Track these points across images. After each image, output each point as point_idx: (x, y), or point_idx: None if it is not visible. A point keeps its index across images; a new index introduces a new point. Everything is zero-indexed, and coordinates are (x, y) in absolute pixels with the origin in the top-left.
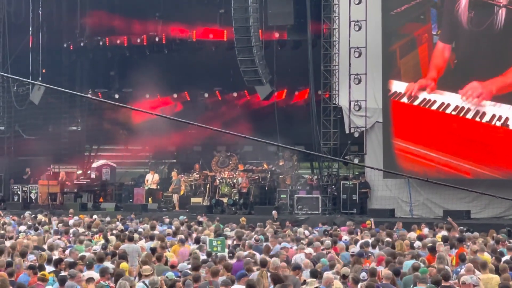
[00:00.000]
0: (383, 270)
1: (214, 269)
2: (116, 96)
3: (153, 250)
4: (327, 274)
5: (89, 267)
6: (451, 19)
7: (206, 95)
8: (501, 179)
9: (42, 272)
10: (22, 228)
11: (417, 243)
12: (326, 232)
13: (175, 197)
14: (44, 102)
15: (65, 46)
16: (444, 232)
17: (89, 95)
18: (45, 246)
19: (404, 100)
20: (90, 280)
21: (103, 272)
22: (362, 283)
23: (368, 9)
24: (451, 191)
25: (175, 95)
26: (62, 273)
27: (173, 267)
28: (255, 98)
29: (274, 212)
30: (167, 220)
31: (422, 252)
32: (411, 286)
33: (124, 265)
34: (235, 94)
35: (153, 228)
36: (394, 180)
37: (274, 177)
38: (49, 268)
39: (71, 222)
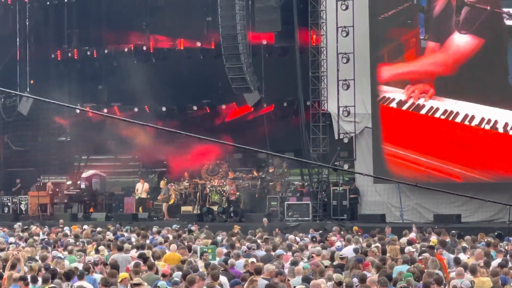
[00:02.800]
0: (374, 276)
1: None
2: (105, 110)
3: (144, 259)
4: (315, 281)
5: (80, 277)
6: (438, 22)
7: (195, 107)
8: (491, 182)
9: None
10: (12, 239)
11: (408, 248)
12: (314, 239)
13: (164, 206)
14: (33, 113)
15: (53, 56)
16: (434, 237)
17: (78, 107)
18: (37, 257)
19: (393, 105)
20: None
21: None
22: None
23: (355, 15)
24: (442, 196)
25: (163, 108)
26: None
27: (164, 276)
28: (244, 110)
29: (264, 219)
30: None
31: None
32: None
33: (124, 274)
34: (223, 106)
35: (145, 237)
36: (384, 185)
37: (264, 184)
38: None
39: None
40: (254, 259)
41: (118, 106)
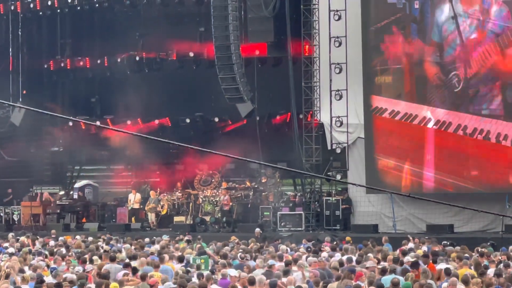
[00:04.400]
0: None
1: (202, 285)
2: (98, 123)
3: (134, 269)
4: None
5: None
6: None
7: (188, 120)
8: (483, 192)
9: None
10: (12, 250)
11: (407, 258)
12: (309, 249)
13: (152, 216)
14: (25, 124)
15: (46, 66)
16: (425, 247)
17: (70, 117)
18: (26, 268)
19: (386, 115)
20: None
21: None
22: None
23: (348, 25)
24: (434, 206)
25: (156, 121)
26: None
27: (151, 286)
28: (237, 123)
29: (256, 230)
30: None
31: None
32: None
33: (114, 285)
34: (216, 119)
35: (142, 247)
36: (377, 195)
37: (257, 194)
38: None
39: (52, 243)
40: (235, 272)
41: (111, 118)
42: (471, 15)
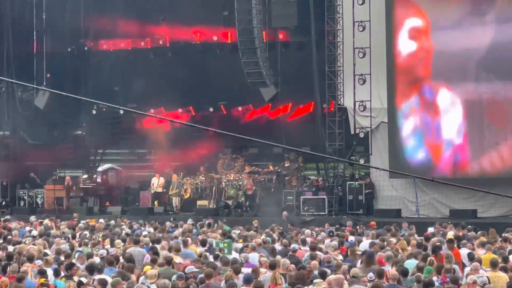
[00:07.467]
0: (390, 271)
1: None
2: (121, 111)
3: (155, 253)
4: (338, 275)
5: (100, 271)
6: None
7: (211, 109)
8: (507, 177)
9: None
10: (35, 232)
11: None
12: (331, 233)
13: (176, 200)
14: (49, 107)
15: (69, 50)
16: (452, 232)
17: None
18: (49, 251)
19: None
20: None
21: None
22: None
23: (371, 9)
24: (457, 190)
25: (180, 110)
26: (77, 278)
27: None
28: (261, 111)
29: (284, 213)
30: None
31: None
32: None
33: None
34: (240, 108)
35: (163, 231)
36: (400, 180)
37: (280, 178)
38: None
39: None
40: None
41: (134, 107)
42: None
